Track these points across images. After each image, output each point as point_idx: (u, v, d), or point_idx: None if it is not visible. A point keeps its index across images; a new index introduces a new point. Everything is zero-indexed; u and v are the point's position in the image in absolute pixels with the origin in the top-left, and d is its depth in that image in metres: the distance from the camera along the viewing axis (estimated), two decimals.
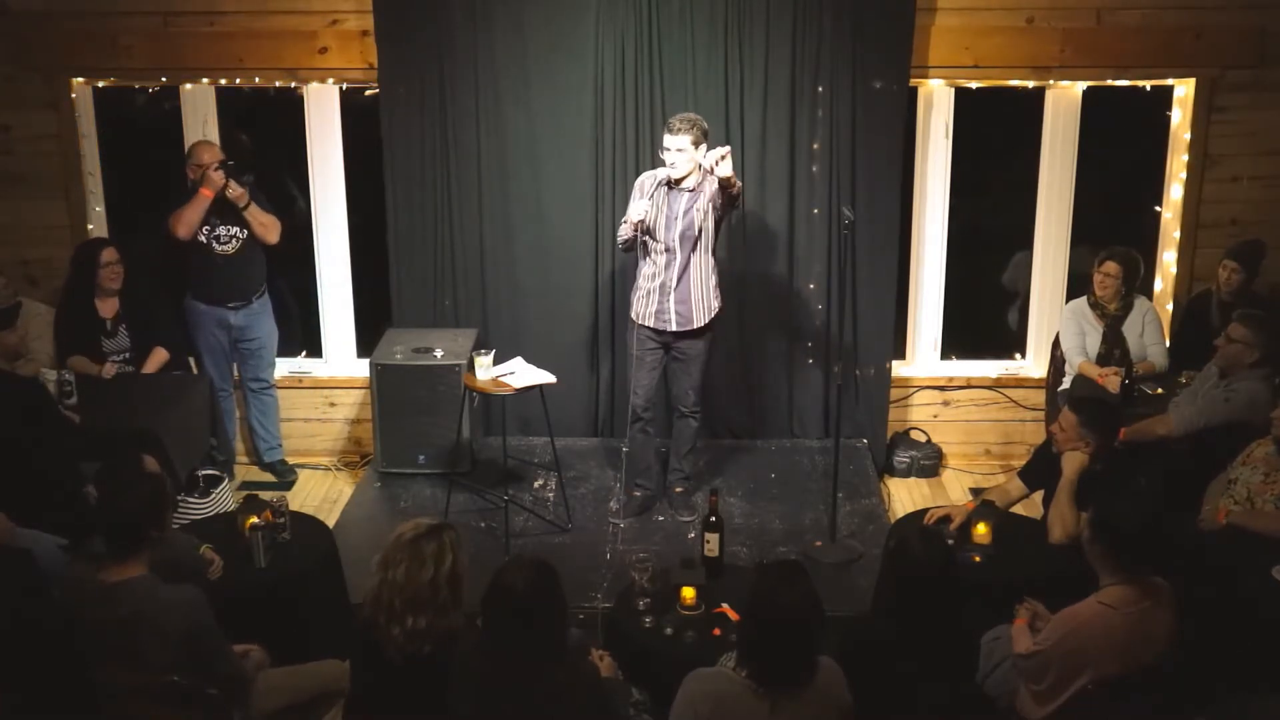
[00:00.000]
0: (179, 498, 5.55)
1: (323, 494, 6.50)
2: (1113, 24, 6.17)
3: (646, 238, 5.44)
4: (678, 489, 5.84)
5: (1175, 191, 6.48)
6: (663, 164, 5.36)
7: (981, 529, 4.68)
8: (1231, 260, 6.04)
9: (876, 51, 6.07)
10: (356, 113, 6.53)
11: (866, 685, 3.57)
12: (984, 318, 7.10)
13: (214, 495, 5.77)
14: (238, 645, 3.94)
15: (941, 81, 6.34)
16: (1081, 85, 6.37)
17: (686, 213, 5.36)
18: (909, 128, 6.33)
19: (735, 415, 6.63)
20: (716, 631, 4.25)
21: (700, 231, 5.38)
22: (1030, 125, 6.50)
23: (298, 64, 6.25)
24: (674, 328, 5.50)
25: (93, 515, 4.41)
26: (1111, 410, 5.00)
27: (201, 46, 6.21)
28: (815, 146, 6.22)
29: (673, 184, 5.34)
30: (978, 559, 4.60)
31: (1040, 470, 4.94)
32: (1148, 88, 6.40)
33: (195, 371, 6.37)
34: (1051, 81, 6.32)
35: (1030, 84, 6.34)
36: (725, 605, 4.33)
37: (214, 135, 6.45)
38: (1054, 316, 6.58)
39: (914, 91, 6.32)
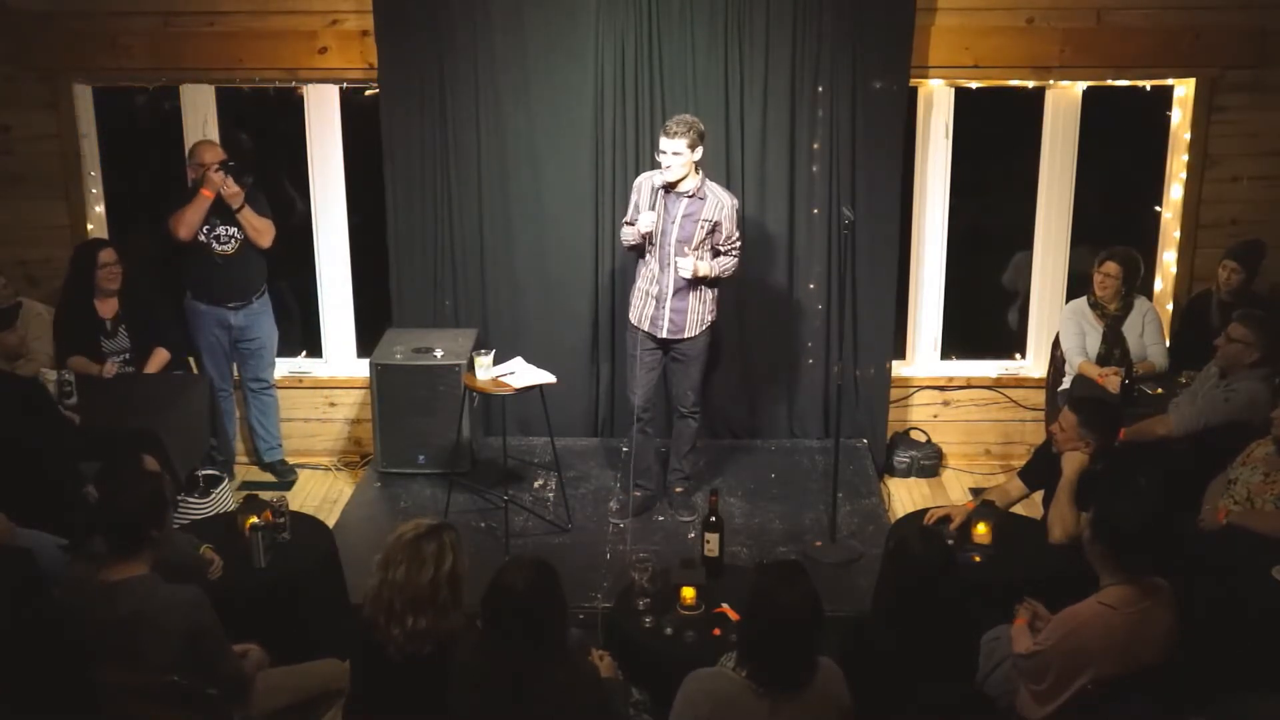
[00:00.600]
0: (179, 498, 5.55)
1: (323, 494, 6.50)
2: (1113, 24, 6.17)
3: (648, 242, 5.44)
4: (678, 489, 5.84)
5: (1175, 191, 6.48)
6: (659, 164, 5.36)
7: (981, 529, 4.68)
8: (1231, 260, 6.04)
9: (876, 51, 6.07)
10: (356, 113, 6.53)
11: (866, 685, 3.57)
12: (984, 318, 7.11)
13: (214, 495, 5.77)
14: (238, 645, 3.94)
15: (941, 81, 6.34)
16: (1081, 85, 6.37)
17: (686, 218, 5.36)
18: (909, 128, 6.33)
19: (735, 415, 6.63)
20: (716, 631, 4.25)
21: (698, 245, 5.38)
22: (1030, 125, 6.50)
23: (298, 64, 6.25)
24: (664, 335, 5.51)
25: (93, 515, 4.41)
26: (1111, 410, 5.00)
27: (201, 46, 6.21)
28: (815, 146, 6.22)
29: (669, 187, 5.34)
30: (978, 559, 4.60)
31: (1040, 470, 4.94)
32: (1148, 88, 6.41)
33: (195, 371, 6.37)
34: (1051, 81, 6.33)
35: (1030, 84, 6.34)
36: (725, 605, 4.33)
37: (214, 135, 6.45)
38: (1054, 316, 6.58)
39: (914, 91, 6.32)
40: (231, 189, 6.03)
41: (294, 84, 6.40)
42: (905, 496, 6.44)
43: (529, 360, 5.70)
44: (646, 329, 5.54)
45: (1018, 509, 5.10)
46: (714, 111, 6.11)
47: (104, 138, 6.58)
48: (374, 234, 6.50)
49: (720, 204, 5.37)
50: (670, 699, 3.46)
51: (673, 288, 5.44)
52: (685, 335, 5.51)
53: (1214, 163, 6.35)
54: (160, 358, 6.13)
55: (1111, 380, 5.83)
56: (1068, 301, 6.36)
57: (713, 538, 4.72)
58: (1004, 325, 7.09)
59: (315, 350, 6.92)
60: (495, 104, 6.18)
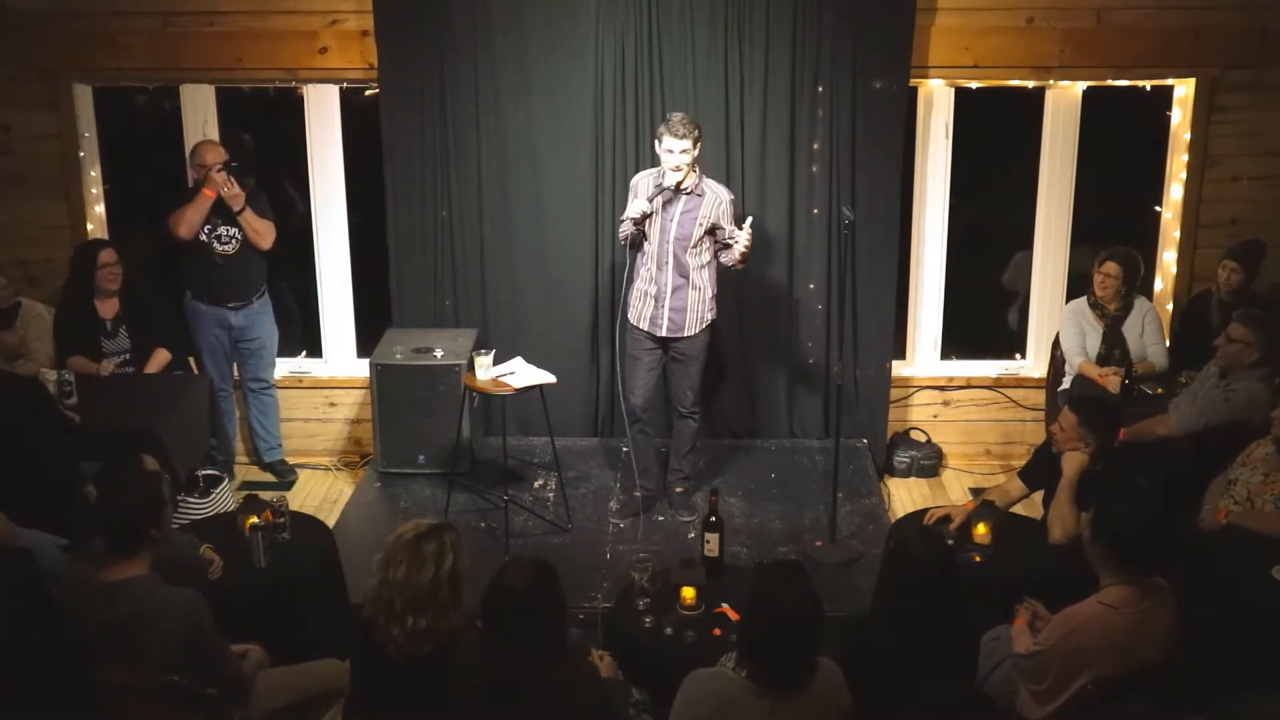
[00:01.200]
0: (179, 498, 5.55)
1: (323, 494, 6.50)
2: (1113, 24, 6.17)
3: (643, 239, 5.44)
4: (678, 489, 5.84)
5: (1175, 191, 6.48)
6: (658, 163, 5.35)
7: (981, 529, 4.68)
8: (1231, 260, 6.04)
9: (876, 51, 6.07)
10: (356, 113, 6.53)
11: (866, 685, 3.57)
12: (984, 318, 7.10)
13: (214, 495, 5.77)
14: (237, 645, 3.94)
15: (941, 81, 6.34)
16: (1081, 85, 6.37)
17: (685, 215, 5.36)
18: (909, 128, 6.33)
19: (735, 415, 6.63)
20: (716, 631, 4.25)
21: (696, 243, 5.38)
22: (1030, 125, 6.50)
23: (298, 64, 6.25)
24: (664, 333, 5.51)
25: (92, 515, 4.41)
26: (1111, 410, 5.00)
27: (201, 46, 6.21)
28: (815, 146, 6.22)
29: (668, 185, 5.34)
30: (978, 559, 4.60)
31: (1040, 470, 4.94)
32: (1148, 88, 6.41)
33: (195, 371, 6.37)
34: (1051, 81, 6.33)
35: (1030, 84, 6.34)
36: (725, 605, 4.33)
37: (214, 135, 6.45)
38: (1054, 316, 6.58)
39: (914, 91, 6.32)
40: (233, 190, 6.03)
41: (294, 84, 6.40)
42: (905, 496, 6.44)
43: (529, 360, 5.70)
44: (646, 328, 5.54)
45: (1018, 509, 5.10)
46: (714, 111, 6.12)
47: (104, 138, 6.58)
48: (374, 234, 6.50)
49: (718, 200, 5.37)
50: (670, 699, 3.46)
51: (671, 286, 5.44)
52: (685, 333, 5.51)
53: (1214, 163, 6.35)
54: (160, 358, 6.13)
55: (1111, 380, 5.83)
56: (1068, 301, 6.36)
57: (713, 538, 4.72)
58: (1004, 325, 7.09)
59: (315, 350, 6.92)
60: (495, 104, 6.18)
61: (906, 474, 6.63)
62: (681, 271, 5.42)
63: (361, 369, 6.62)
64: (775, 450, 6.53)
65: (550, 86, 6.15)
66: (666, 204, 5.36)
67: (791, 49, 6.08)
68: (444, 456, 6.03)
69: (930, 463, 6.65)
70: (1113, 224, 6.74)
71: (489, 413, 6.44)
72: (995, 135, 6.63)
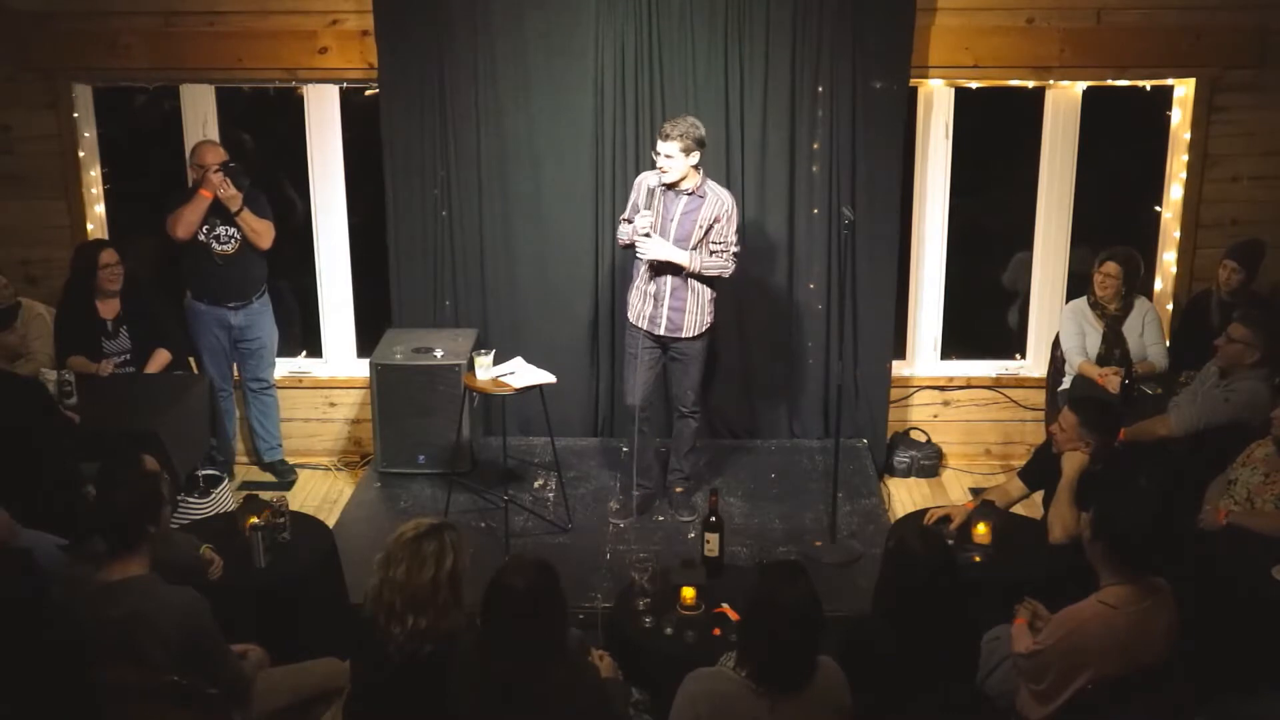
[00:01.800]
0: (179, 498, 5.55)
1: (323, 494, 6.50)
2: (1113, 24, 6.17)
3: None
4: (678, 489, 5.84)
5: (1175, 191, 6.48)
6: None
7: (981, 529, 4.68)
8: (1231, 260, 6.04)
9: (876, 51, 6.06)
10: (356, 113, 6.53)
11: (866, 685, 3.57)
12: (984, 318, 7.10)
13: (214, 495, 5.77)
14: (237, 645, 3.94)
15: (941, 81, 6.34)
16: (1081, 85, 6.37)
17: (684, 216, 5.36)
18: (909, 128, 6.33)
19: (735, 415, 6.63)
20: (716, 631, 4.25)
21: (696, 244, 5.38)
22: (1030, 125, 6.50)
23: (298, 64, 6.25)
24: (662, 332, 5.52)
25: (91, 514, 4.41)
26: (1111, 410, 5.00)
27: (201, 46, 6.21)
28: (815, 146, 6.22)
29: (669, 186, 5.35)
30: (978, 559, 4.60)
31: (1040, 470, 4.94)
32: (1148, 88, 6.41)
33: (195, 371, 6.37)
34: (1051, 81, 6.33)
35: (1030, 84, 6.34)
36: (725, 605, 4.33)
37: (214, 135, 6.45)
38: (1054, 316, 6.58)
39: (914, 91, 6.32)
40: (230, 192, 6.03)
41: (294, 84, 6.40)
42: (905, 496, 6.44)
43: (529, 360, 5.70)
44: (645, 327, 5.54)
45: (1018, 509, 5.09)
46: (714, 111, 6.11)
47: (104, 138, 6.58)
48: (374, 234, 6.50)
49: (721, 202, 5.38)
50: (670, 699, 3.46)
51: (671, 286, 5.44)
52: (683, 335, 5.51)
53: (1214, 163, 6.35)
54: (161, 358, 6.12)
55: (1111, 380, 5.83)
56: (1068, 301, 6.36)
57: (713, 538, 4.72)
58: (1004, 325, 7.09)
59: (315, 350, 6.92)
60: (495, 104, 6.18)
61: (906, 474, 6.63)
62: (681, 273, 5.42)
63: (361, 369, 6.62)
64: (775, 450, 6.53)
65: (550, 86, 6.15)
66: (667, 205, 5.36)
67: (791, 49, 6.08)
68: (444, 456, 6.03)
69: (930, 463, 6.65)
70: (1113, 224, 6.74)
71: (489, 413, 6.45)
72: (995, 135, 6.63)
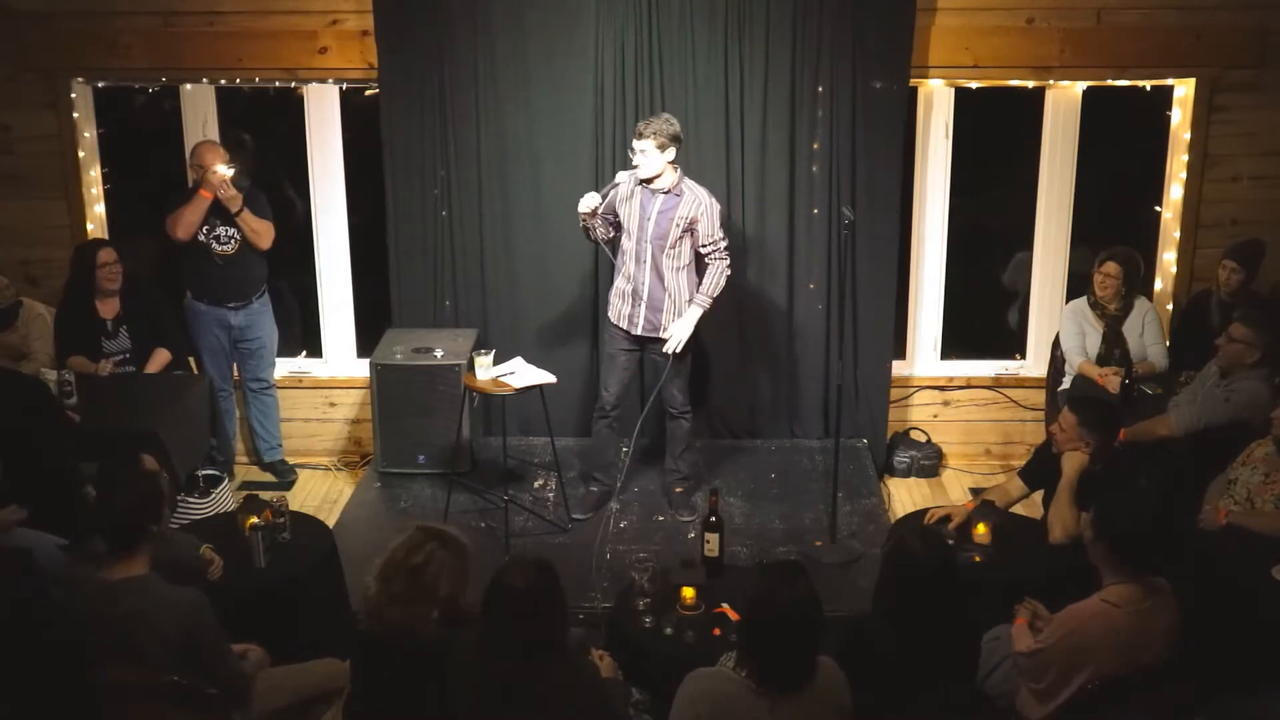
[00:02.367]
0: (179, 498, 5.55)
1: (323, 494, 6.50)
2: (1113, 24, 6.17)
3: (622, 238, 5.47)
4: (677, 489, 5.84)
5: (1175, 191, 6.48)
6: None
7: (981, 529, 4.68)
8: (1231, 260, 6.04)
9: (876, 51, 6.06)
10: (356, 113, 6.53)
11: (866, 685, 3.57)
12: (984, 318, 7.10)
13: (214, 495, 5.76)
14: (237, 645, 3.94)
15: (941, 81, 6.34)
16: (1081, 85, 6.37)
17: (661, 214, 5.38)
18: (909, 128, 6.33)
19: (735, 415, 6.63)
20: (716, 631, 4.25)
21: (674, 244, 5.39)
22: (1030, 125, 6.50)
23: (298, 64, 6.25)
24: (640, 332, 5.53)
25: (91, 514, 4.41)
26: (1111, 410, 5.00)
27: (201, 46, 6.21)
28: (815, 146, 6.22)
29: (645, 182, 5.36)
30: (978, 559, 4.60)
31: (1040, 470, 4.94)
32: (1148, 88, 6.41)
33: (195, 371, 6.37)
34: (1051, 81, 6.33)
35: (1030, 84, 6.34)
36: (725, 605, 4.33)
37: (214, 135, 6.45)
38: (1054, 316, 6.58)
39: (914, 91, 6.32)
40: (229, 192, 6.03)
41: (294, 84, 6.40)
42: (905, 496, 6.44)
43: (529, 360, 5.71)
44: (624, 326, 5.57)
45: (1018, 509, 5.10)
46: (714, 111, 6.12)
47: (104, 138, 6.58)
48: (374, 234, 6.50)
49: (698, 201, 5.39)
50: (670, 699, 3.46)
51: (649, 285, 5.45)
52: (662, 334, 5.52)
53: (1214, 163, 6.35)
54: (161, 358, 6.13)
55: (1111, 380, 5.83)
56: (1068, 301, 6.36)
57: (713, 538, 4.72)
58: (1004, 325, 7.09)
59: (315, 350, 6.92)
60: (495, 104, 6.18)
61: (906, 474, 6.63)
62: (658, 271, 5.43)
63: (361, 369, 6.62)
64: (775, 450, 6.53)
65: (550, 86, 6.15)
66: (644, 203, 5.38)
67: (791, 49, 6.08)
68: (444, 456, 6.03)
69: (930, 463, 6.65)
70: (1113, 224, 6.73)
71: (489, 413, 6.45)
72: (995, 135, 6.63)
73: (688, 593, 4.39)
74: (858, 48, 6.06)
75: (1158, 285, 6.66)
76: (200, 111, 6.50)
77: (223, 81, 6.40)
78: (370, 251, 6.62)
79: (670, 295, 5.47)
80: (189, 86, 6.44)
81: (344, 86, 6.45)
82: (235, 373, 6.50)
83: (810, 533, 5.66)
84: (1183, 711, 3.83)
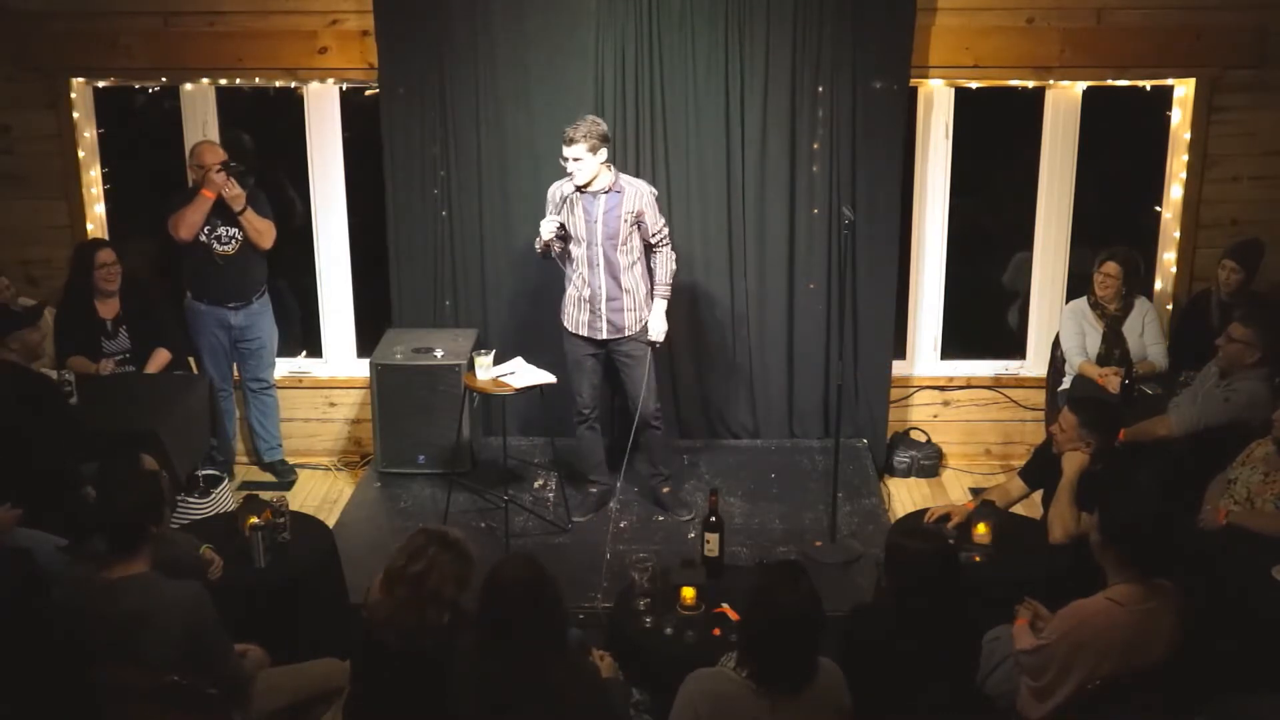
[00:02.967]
0: (179, 498, 5.55)
1: (323, 494, 6.50)
2: (1113, 24, 6.17)
3: (571, 246, 5.47)
4: (664, 489, 5.84)
5: (1175, 191, 6.48)
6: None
7: (981, 529, 4.68)
8: (1230, 260, 6.03)
9: (876, 51, 6.06)
10: (356, 113, 6.53)
11: (866, 685, 3.57)
12: (984, 318, 7.10)
13: (214, 495, 5.76)
14: (237, 645, 3.94)
15: (941, 81, 6.34)
16: (1081, 85, 6.37)
17: (608, 214, 5.38)
18: (909, 128, 6.33)
19: (735, 415, 6.62)
20: (716, 631, 4.25)
21: (625, 239, 5.40)
22: (1030, 125, 6.50)
23: (298, 64, 6.25)
24: (605, 336, 5.53)
25: (91, 514, 4.41)
26: (1111, 410, 5.00)
27: (201, 46, 6.21)
28: (815, 146, 6.22)
29: (582, 189, 5.36)
30: (978, 559, 4.60)
31: (1040, 470, 4.94)
32: (1148, 88, 6.40)
33: (195, 371, 6.37)
34: (1051, 81, 6.32)
35: (1030, 84, 6.34)
36: (725, 605, 4.33)
37: (214, 135, 6.45)
38: (1054, 316, 6.58)
39: (914, 91, 6.32)
40: (234, 191, 6.03)
41: (294, 84, 6.40)
42: (905, 496, 6.44)
43: (529, 360, 5.70)
44: (585, 334, 5.57)
45: (1018, 509, 5.10)
46: (714, 111, 6.12)
47: (104, 138, 6.58)
48: (374, 234, 6.50)
49: (639, 193, 5.41)
50: (670, 699, 3.46)
51: (606, 288, 5.46)
52: (627, 332, 5.53)
53: (1214, 163, 6.35)
54: (161, 358, 6.12)
55: (1111, 380, 5.84)
56: (1068, 301, 6.36)
57: (713, 538, 4.72)
58: (1004, 325, 7.09)
59: (315, 350, 6.92)
60: (495, 104, 6.18)
61: (906, 474, 6.62)
62: (613, 272, 5.44)
63: (361, 369, 6.62)
64: (775, 450, 6.53)
65: (550, 86, 6.14)
66: (588, 208, 5.38)
67: (791, 49, 6.08)
68: (444, 456, 6.03)
69: (930, 463, 6.65)
70: (1113, 224, 6.73)
71: (489, 413, 6.44)
72: (995, 135, 6.63)
73: (688, 593, 4.39)
74: (858, 48, 6.06)
75: (1158, 285, 6.65)
76: (200, 111, 6.50)
77: (223, 81, 6.40)
78: (370, 251, 6.62)
79: (628, 293, 5.48)
80: (189, 86, 6.44)
81: (344, 86, 6.45)
82: (235, 373, 6.50)
83: (810, 533, 5.66)
84: (1183, 711, 3.83)
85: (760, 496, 6.02)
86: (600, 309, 5.49)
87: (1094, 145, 6.51)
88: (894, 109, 6.13)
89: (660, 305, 5.56)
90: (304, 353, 6.94)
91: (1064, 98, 6.43)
